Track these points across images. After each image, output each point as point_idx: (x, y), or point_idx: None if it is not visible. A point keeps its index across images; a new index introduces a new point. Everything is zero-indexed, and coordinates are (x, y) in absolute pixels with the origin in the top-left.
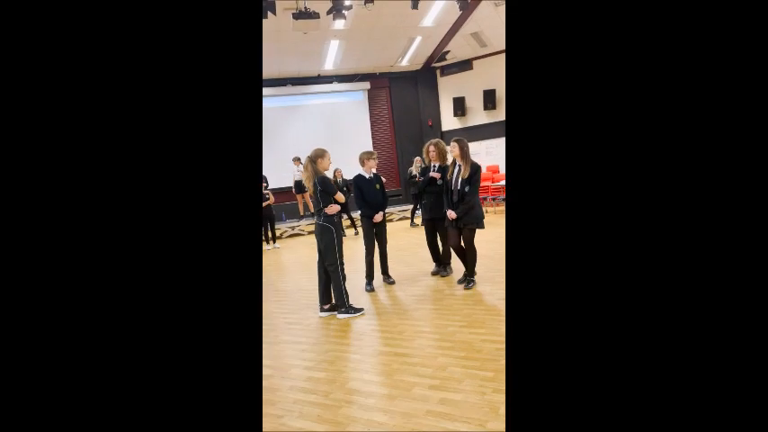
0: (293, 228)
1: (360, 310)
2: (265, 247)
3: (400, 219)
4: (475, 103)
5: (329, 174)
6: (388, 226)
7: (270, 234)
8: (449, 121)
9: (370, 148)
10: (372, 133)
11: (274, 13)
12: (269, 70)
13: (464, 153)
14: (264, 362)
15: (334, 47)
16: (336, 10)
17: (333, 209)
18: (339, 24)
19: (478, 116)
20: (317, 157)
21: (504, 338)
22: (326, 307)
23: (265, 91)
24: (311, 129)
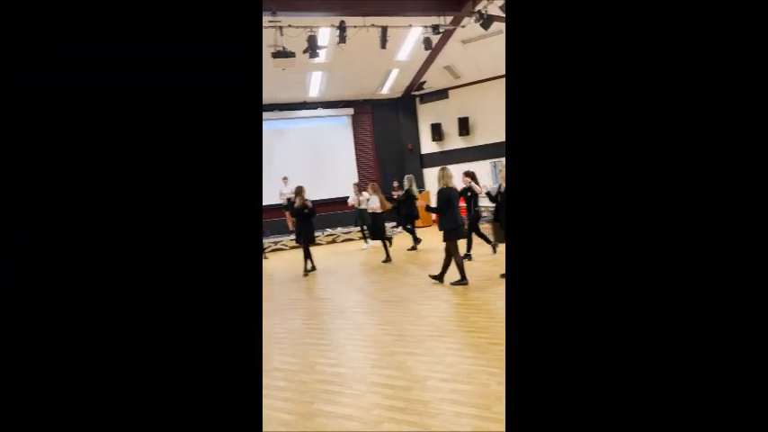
0: (276, 243)
1: None
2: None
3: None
4: (451, 129)
5: None
6: None
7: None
8: (427, 146)
9: (354, 170)
10: (356, 155)
11: None
12: None
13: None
14: None
15: (317, 77)
16: (311, 49)
17: None
18: (317, 60)
19: (454, 141)
20: None
21: None
22: None
23: None
24: (299, 151)
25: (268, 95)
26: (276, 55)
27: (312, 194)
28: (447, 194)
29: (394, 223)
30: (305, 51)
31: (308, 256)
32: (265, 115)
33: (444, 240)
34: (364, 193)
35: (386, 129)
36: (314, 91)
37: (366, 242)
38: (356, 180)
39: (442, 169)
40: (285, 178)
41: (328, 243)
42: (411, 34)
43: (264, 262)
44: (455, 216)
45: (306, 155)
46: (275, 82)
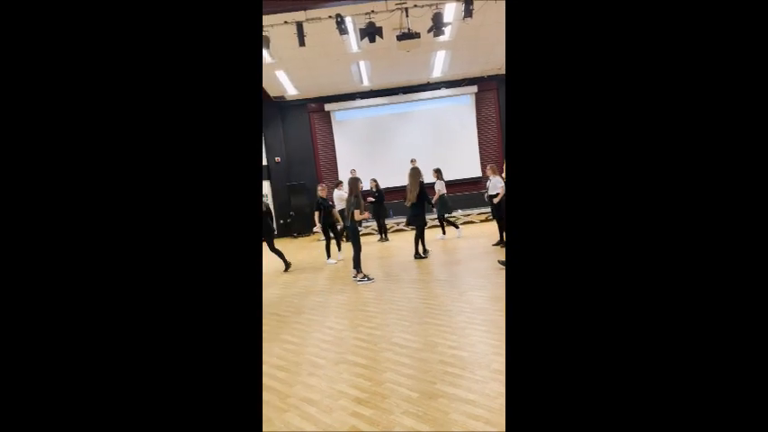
0: (398, 224)
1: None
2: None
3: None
4: None
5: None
6: None
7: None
8: None
9: (476, 149)
10: (479, 134)
11: (381, 37)
12: (381, 81)
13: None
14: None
15: (440, 56)
16: (436, 27)
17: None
18: (441, 38)
19: None
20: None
21: None
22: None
23: (378, 100)
24: (422, 133)
25: (391, 79)
26: (401, 37)
27: (432, 177)
28: None
29: None
30: (429, 30)
31: (420, 237)
32: (389, 99)
33: None
34: (440, 181)
35: None
36: (437, 71)
37: (443, 232)
38: (479, 160)
39: None
40: (413, 160)
41: (447, 225)
42: None
43: (386, 243)
44: None
45: (429, 136)
46: (399, 65)
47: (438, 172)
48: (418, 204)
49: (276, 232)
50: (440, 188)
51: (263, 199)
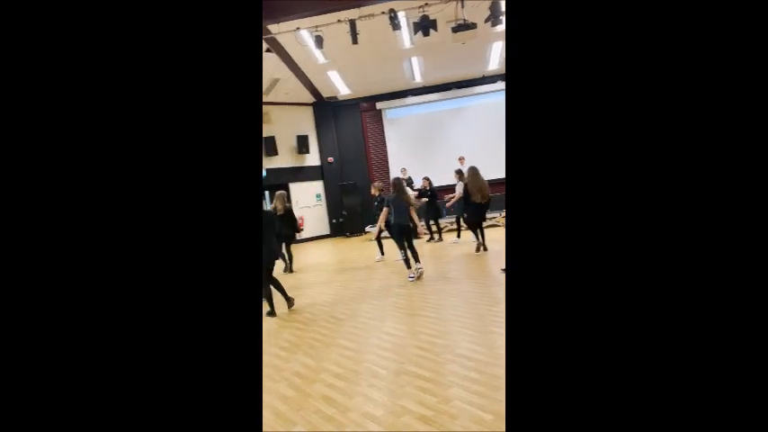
0: (451, 223)
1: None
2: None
3: None
4: None
5: None
6: None
7: (436, 228)
8: None
9: None
10: None
11: (436, 30)
12: (433, 77)
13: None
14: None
15: (497, 47)
16: (494, 17)
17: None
18: (499, 28)
19: None
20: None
21: None
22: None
23: (430, 97)
24: (477, 128)
25: (445, 74)
26: (456, 29)
27: (489, 174)
28: None
29: None
30: (487, 20)
31: (478, 235)
32: (442, 95)
33: None
34: (461, 183)
35: None
36: (493, 63)
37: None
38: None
39: None
40: (461, 158)
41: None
42: None
43: (439, 244)
44: None
45: (484, 132)
46: (452, 59)
47: (460, 173)
48: (484, 204)
49: (301, 232)
50: (461, 191)
51: (274, 200)
